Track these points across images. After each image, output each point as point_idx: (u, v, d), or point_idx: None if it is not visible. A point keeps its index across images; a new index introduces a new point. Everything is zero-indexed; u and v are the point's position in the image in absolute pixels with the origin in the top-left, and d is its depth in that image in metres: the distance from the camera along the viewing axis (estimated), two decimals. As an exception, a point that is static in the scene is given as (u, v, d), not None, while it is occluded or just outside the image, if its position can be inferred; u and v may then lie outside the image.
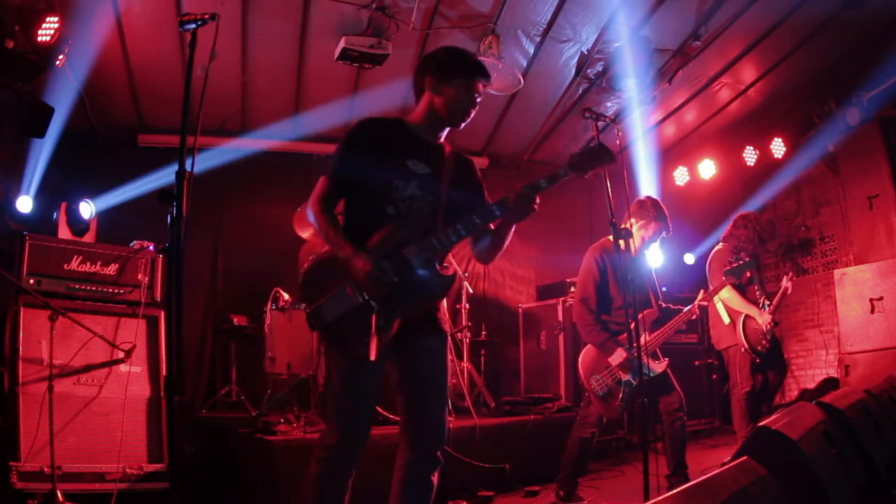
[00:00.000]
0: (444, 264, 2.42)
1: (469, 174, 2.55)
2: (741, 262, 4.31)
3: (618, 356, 3.72)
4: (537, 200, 2.34)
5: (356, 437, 2.32)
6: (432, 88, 2.43)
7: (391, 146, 2.37)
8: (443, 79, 2.42)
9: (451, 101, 2.42)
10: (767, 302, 4.69)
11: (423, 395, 2.35)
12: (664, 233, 3.99)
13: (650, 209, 3.92)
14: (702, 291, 4.43)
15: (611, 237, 3.99)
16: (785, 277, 4.86)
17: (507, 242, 2.49)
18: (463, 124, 2.47)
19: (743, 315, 4.71)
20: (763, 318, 4.61)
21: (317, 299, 2.25)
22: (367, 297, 2.22)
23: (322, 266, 2.31)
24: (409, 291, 2.26)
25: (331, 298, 2.24)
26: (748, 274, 4.73)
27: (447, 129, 2.51)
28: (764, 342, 4.62)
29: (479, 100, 2.46)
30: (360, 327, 2.20)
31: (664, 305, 3.98)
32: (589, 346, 3.85)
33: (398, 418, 2.35)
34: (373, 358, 2.18)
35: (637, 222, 3.94)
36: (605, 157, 2.40)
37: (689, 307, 4.12)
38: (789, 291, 4.81)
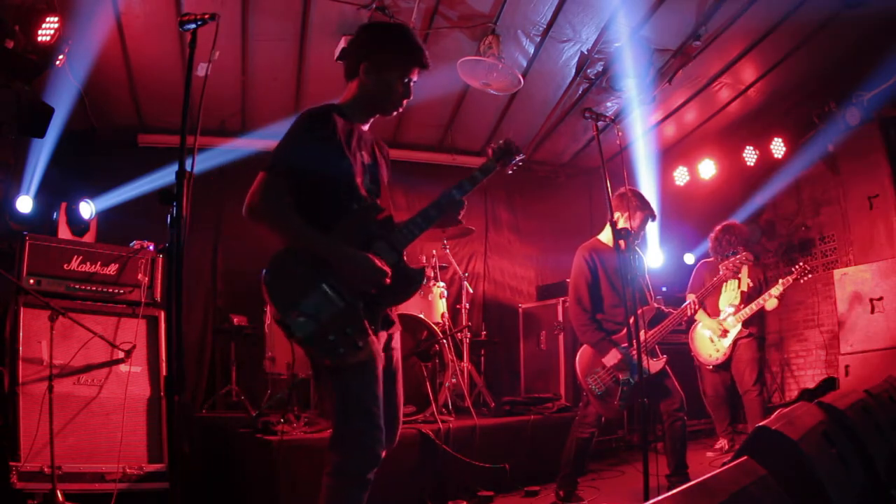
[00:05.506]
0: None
1: (388, 163, 2.45)
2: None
3: (612, 357, 3.70)
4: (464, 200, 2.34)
5: (377, 454, 2.07)
6: (366, 74, 2.25)
7: (345, 138, 2.17)
8: (378, 66, 2.24)
9: (385, 90, 2.26)
10: (731, 308, 5.05)
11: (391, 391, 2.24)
12: (650, 219, 4.00)
13: (632, 199, 3.92)
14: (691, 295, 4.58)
15: (599, 237, 4.03)
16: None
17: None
18: (395, 113, 2.34)
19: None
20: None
21: (290, 301, 2.00)
22: (350, 295, 2.04)
23: (287, 265, 2.05)
24: (392, 285, 2.12)
25: (308, 302, 2.00)
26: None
27: (375, 116, 2.35)
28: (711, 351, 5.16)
29: (413, 87, 2.31)
30: (346, 329, 2.01)
31: (659, 307, 3.99)
32: (585, 345, 3.85)
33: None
34: (364, 358, 2.02)
35: (622, 214, 3.94)
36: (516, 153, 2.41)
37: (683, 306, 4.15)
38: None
